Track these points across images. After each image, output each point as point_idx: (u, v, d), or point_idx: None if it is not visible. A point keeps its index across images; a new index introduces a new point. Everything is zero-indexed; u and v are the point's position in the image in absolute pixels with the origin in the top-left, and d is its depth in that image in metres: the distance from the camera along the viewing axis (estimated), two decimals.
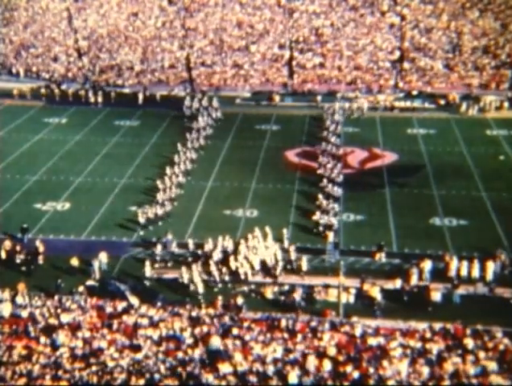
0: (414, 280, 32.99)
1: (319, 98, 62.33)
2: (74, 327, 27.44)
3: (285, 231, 37.51)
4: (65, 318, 28.33)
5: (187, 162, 47.66)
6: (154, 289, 32.96)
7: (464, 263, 33.80)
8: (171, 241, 37.07)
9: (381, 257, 35.48)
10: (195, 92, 65.50)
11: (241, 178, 46.29)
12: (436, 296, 31.93)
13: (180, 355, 25.24)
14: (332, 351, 25.68)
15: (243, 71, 69.59)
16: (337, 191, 42.91)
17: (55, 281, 32.59)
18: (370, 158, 50.50)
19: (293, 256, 35.06)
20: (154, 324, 28.02)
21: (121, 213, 41.36)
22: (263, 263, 34.68)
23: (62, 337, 26.52)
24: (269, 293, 32.58)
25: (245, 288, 33.01)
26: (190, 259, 35.41)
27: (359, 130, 56.53)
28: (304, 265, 34.26)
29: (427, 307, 31.25)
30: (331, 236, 37.01)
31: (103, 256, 34.70)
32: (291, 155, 50.58)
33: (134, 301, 31.07)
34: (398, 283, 32.79)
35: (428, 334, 27.53)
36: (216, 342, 26.16)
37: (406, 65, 67.90)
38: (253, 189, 44.78)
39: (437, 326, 28.44)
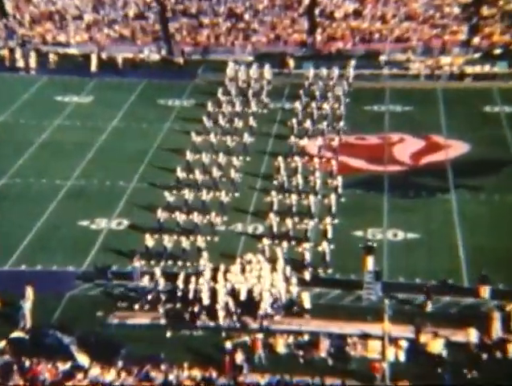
0: (497, 329, 32.74)
1: (353, 63, 62.28)
2: None
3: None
4: None
5: (231, 170, 46.28)
6: (113, 340, 32.72)
7: None
8: (138, 270, 37.09)
9: (485, 293, 35.33)
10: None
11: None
12: None
13: None
14: None
15: (243, 23, 69.69)
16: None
17: None
18: (428, 149, 50.47)
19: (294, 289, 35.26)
20: None
21: (67, 229, 41.47)
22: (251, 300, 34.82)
23: None
24: (281, 345, 32.51)
25: (247, 338, 32.97)
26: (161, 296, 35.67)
27: (411, 109, 56.58)
28: (307, 302, 34.39)
29: None
30: (370, 261, 36.85)
31: (28, 293, 34.29)
32: (311, 147, 50.55)
33: (83, 359, 30.86)
34: (472, 334, 32.54)
35: None
36: None
37: (485, 10, 67.67)
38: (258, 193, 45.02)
39: None
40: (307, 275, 36.81)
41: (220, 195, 43.48)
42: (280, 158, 46.84)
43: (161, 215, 41.10)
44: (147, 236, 39.12)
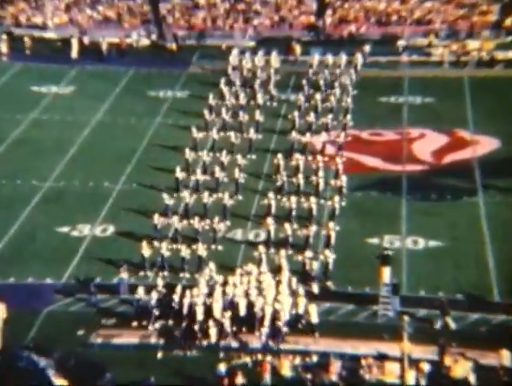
0: None
1: (367, 48, 62.48)
2: None
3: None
4: None
5: (236, 170, 46.03)
6: (96, 362, 32.42)
7: None
8: (125, 282, 37.12)
9: None
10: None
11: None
12: None
13: None
14: None
15: (243, 4, 69.90)
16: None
17: None
18: (452, 146, 50.42)
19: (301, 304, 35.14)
20: None
21: (45, 237, 41.49)
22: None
23: None
24: (286, 367, 32.40)
25: (248, 359, 32.92)
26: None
27: (433, 100, 56.58)
28: (314, 316, 34.28)
29: None
30: (387, 273, 36.72)
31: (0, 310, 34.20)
32: (317, 143, 50.43)
33: (62, 385, 30.66)
34: (505, 356, 32.27)
35: None
36: None
37: None
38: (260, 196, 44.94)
39: None
40: (315, 287, 36.71)
41: (224, 198, 43.35)
42: (280, 156, 46.91)
43: (158, 220, 41.00)
44: (144, 245, 39.03)
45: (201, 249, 38.96)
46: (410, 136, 51.63)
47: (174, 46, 65.66)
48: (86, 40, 65.80)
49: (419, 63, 62.08)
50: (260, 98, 55.62)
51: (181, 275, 38.22)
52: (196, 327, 34.18)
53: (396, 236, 41.09)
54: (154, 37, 67.92)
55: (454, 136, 51.61)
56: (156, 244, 39.74)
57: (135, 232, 41.36)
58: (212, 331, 33.96)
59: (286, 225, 40.56)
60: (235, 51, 61.94)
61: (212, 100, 54.34)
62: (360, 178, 46.15)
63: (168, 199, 43.00)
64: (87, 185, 46.33)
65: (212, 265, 37.17)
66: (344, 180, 44.70)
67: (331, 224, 40.65)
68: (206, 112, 52.89)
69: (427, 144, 50.71)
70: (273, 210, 42.42)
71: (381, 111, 55.36)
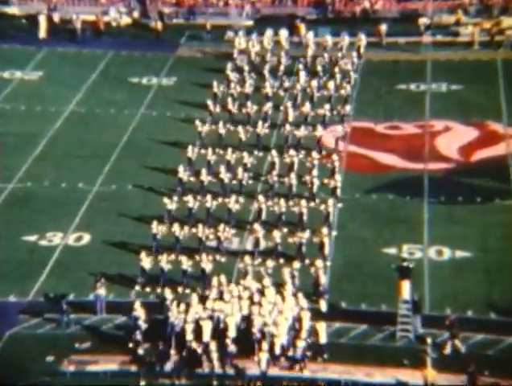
0: None
1: (384, 28, 62.61)
2: None
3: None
4: None
5: (244, 174, 46.27)
6: None
7: None
8: (103, 299, 37.12)
9: None
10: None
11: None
12: None
13: None
14: None
15: None
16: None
17: None
18: (483, 140, 50.53)
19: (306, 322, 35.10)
20: None
21: (8, 247, 41.45)
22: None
23: None
24: None
25: None
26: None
27: (460, 87, 56.79)
28: (322, 336, 34.35)
29: None
30: (406, 288, 36.80)
31: None
32: (328, 138, 50.72)
33: None
34: None
35: None
36: None
37: None
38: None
39: None
40: (323, 305, 36.69)
41: (229, 202, 43.51)
42: (274, 153, 47.18)
43: (158, 228, 41.05)
44: (143, 256, 39.08)
45: (205, 261, 39.00)
46: (434, 129, 51.84)
47: (159, 25, 65.68)
48: (56, 17, 66.06)
49: (444, 44, 62.39)
50: (269, 86, 55.59)
51: (181, 290, 38.27)
52: (173, 351, 34.20)
53: (417, 246, 41.19)
54: (136, 14, 68.04)
55: (485, 129, 51.80)
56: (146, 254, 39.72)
57: (114, 240, 41.53)
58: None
59: (275, 232, 40.74)
60: (241, 32, 62.04)
61: (216, 89, 54.48)
62: (374, 179, 46.51)
63: (170, 204, 43.13)
64: (58, 186, 46.51)
65: (223, 279, 37.07)
66: (339, 180, 44.89)
67: (324, 230, 40.65)
68: (210, 102, 52.98)
69: (453, 138, 50.91)
70: (264, 215, 42.68)
71: (399, 100, 55.80)
